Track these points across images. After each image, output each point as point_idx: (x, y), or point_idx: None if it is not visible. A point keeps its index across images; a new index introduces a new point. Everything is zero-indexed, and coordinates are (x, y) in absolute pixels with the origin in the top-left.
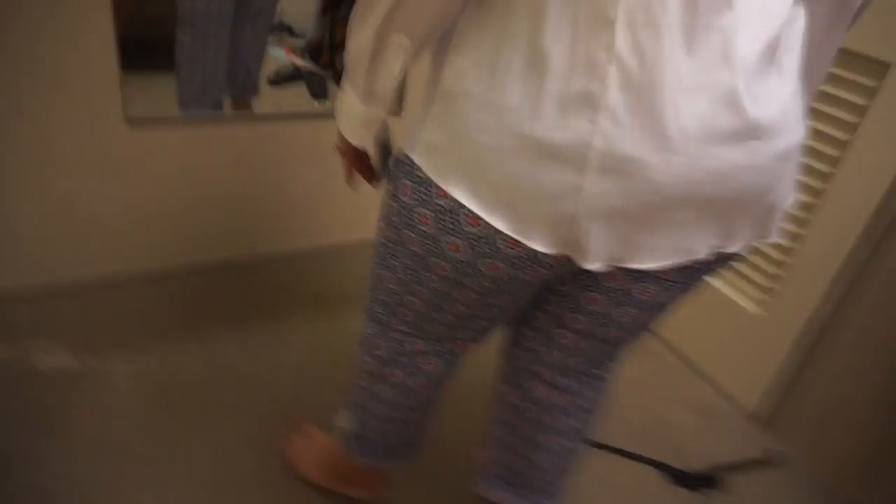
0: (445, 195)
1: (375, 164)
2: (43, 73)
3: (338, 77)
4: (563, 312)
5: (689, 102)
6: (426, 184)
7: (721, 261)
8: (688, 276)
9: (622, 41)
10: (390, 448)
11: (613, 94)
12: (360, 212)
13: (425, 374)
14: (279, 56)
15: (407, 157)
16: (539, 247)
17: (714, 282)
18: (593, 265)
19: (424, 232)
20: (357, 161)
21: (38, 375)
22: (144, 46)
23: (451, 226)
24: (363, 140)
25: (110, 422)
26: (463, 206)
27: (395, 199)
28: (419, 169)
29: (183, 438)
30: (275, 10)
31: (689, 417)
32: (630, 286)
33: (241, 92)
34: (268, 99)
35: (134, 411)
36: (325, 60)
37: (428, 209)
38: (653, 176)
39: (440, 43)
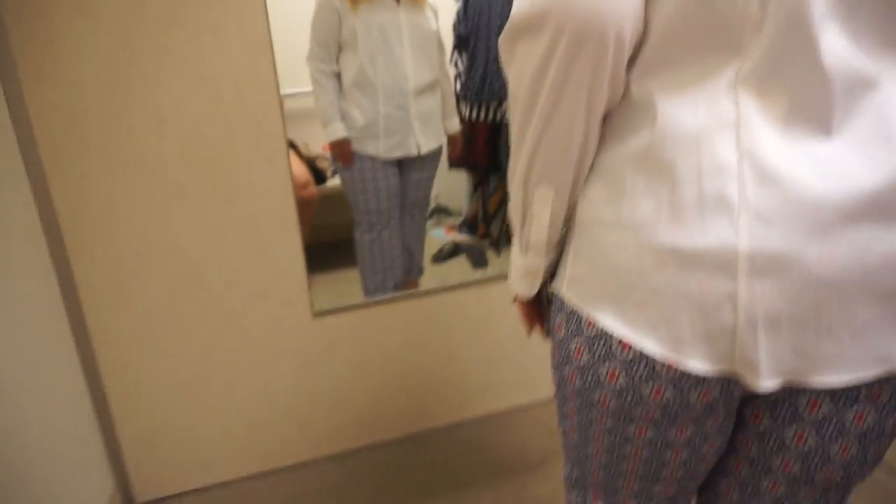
0: (594, 324)
1: (546, 313)
2: (245, 284)
3: (495, 245)
4: (767, 456)
5: (847, 180)
6: (575, 315)
7: None
8: None
9: (748, 140)
10: None
11: (752, 191)
12: (530, 373)
13: None
14: (440, 236)
15: (557, 293)
16: (699, 365)
17: None
18: (767, 383)
19: (581, 365)
20: (529, 311)
21: None
22: (326, 249)
23: (604, 353)
24: (529, 290)
25: None
26: (612, 334)
27: (553, 337)
28: (567, 302)
29: None
30: (429, 199)
31: None
32: (841, 414)
33: (408, 274)
34: (433, 276)
35: None
36: (482, 232)
37: (581, 340)
38: (813, 270)
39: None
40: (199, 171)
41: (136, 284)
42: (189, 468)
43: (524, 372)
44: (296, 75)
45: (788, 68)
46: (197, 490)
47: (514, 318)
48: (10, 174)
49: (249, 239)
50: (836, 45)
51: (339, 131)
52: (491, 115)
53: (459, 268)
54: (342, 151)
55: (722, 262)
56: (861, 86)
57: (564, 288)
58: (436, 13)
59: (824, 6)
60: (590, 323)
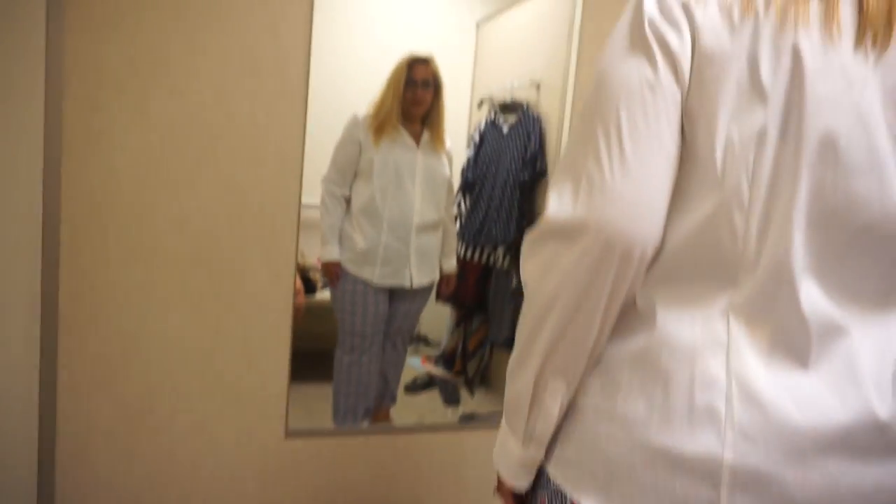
0: None
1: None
2: (225, 390)
3: (469, 384)
4: None
5: (821, 412)
6: (560, 494)
7: None
8: None
9: (736, 361)
10: None
11: (738, 410)
12: None
13: None
14: (415, 365)
15: (542, 469)
16: None
17: None
18: None
19: None
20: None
21: None
22: (302, 357)
23: None
24: (525, 482)
25: None
26: None
27: None
28: (553, 481)
29: None
30: (413, 330)
31: None
32: None
33: (381, 401)
34: (405, 405)
35: None
36: (458, 368)
37: None
38: (790, 492)
39: None
40: (206, 273)
41: (119, 375)
42: None
43: None
44: (306, 189)
45: (774, 306)
46: None
47: (485, 468)
48: (28, 241)
49: (239, 347)
50: (813, 295)
51: (333, 254)
52: (485, 258)
53: (431, 401)
54: (331, 272)
55: (706, 471)
56: (833, 331)
57: (551, 466)
58: (451, 159)
59: (804, 262)
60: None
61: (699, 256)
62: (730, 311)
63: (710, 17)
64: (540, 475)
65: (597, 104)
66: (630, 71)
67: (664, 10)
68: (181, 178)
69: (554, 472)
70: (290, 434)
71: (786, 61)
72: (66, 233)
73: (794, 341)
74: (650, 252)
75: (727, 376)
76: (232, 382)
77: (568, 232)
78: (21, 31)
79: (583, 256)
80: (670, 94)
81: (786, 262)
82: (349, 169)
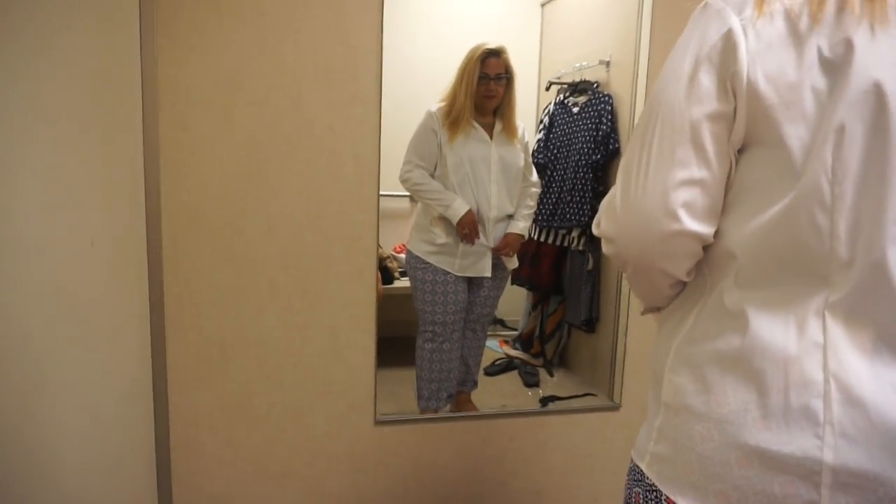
0: (674, 503)
1: None
2: (316, 384)
3: (548, 365)
4: None
5: None
6: (655, 492)
7: None
8: None
9: (834, 361)
10: None
11: (838, 411)
12: None
13: None
14: (493, 347)
15: (636, 465)
16: None
17: None
18: None
19: None
20: None
21: None
22: (381, 345)
23: None
24: None
25: None
26: None
27: None
28: (648, 477)
29: None
30: (493, 315)
31: None
32: None
33: (463, 385)
34: (485, 388)
35: None
36: (536, 350)
37: None
38: None
39: (656, 359)
40: (293, 275)
41: (219, 371)
42: None
43: None
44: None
45: (874, 304)
46: None
47: (569, 451)
48: (134, 251)
49: (328, 342)
50: None
51: (463, 206)
52: (559, 241)
53: (511, 384)
54: (469, 221)
55: (805, 471)
56: None
57: (646, 464)
58: (525, 146)
59: None
60: (669, 501)
61: (783, 256)
62: (826, 312)
63: (775, 30)
64: (633, 471)
65: (644, 119)
66: (678, 92)
67: (724, 32)
68: (266, 186)
69: (649, 470)
70: (378, 422)
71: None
72: (167, 243)
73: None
74: (677, 272)
75: (825, 377)
76: (322, 375)
77: (605, 240)
78: (117, 60)
79: (617, 259)
80: (720, 117)
81: (882, 260)
82: (431, 159)
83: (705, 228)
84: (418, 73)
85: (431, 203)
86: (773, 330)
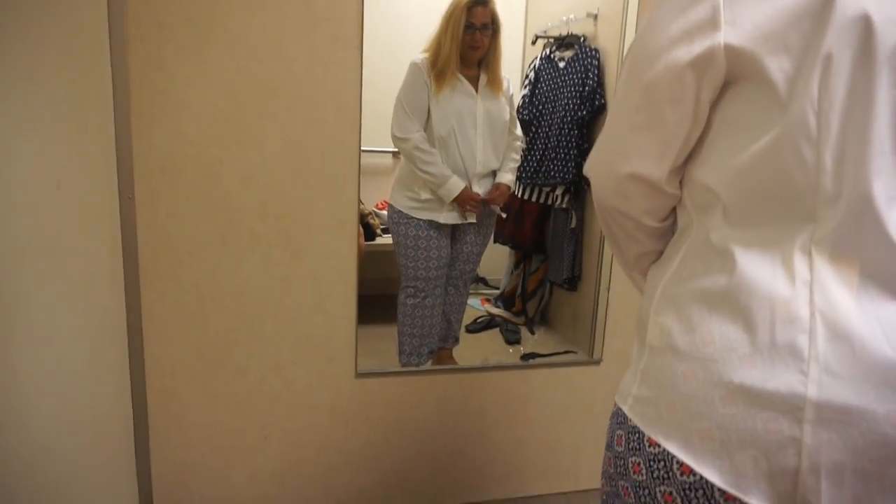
0: (656, 444)
1: None
2: (296, 337)
3: (529, 323)
4: None
5: None
6: (637, 433)
7: None
8: None
9: (821, 297)
10: None
11: (823, 346)
12: (561, 463)
13: None
14: (475, 306)
15: (619, 408)
16: (758, 502)
17: None
18: None
19: (638, 481)
20: None
21: None
22: (363, 301)
23: (663, 475)
24: None
25: None
26: (674, 456)
27: (610, 448)
28: (630, 420)
29: None
30: (475, 272)
31: None
32: None
33: (444, 342)
34: (466, 345)
35: None
36: (518, 308)
37: (640, 458)
38: (882, 427)
39: (642, 303)
40: (273, 226)
41: (196, 323)
42: None
43: (554, 460)
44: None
45: (860, 238)
46: None
47: (549, 404)
48: (106, 200)
49: (308, 294)
50: None
51: (457, 185)
52: (543, 198)
53: (492, 341)
54: (468, 197)
55: (789, 407)
56: None
57: (628, 406)
58: (510, 99)
59: (888, 191)
60: (651, 442)
61: (769, 192)
62: (812, 247)
63: None
64: (616, 415)
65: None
66: (655, 40)
67: None
68: (244, 132)
69: (631, 412)
70: (359, 374)
71: None
72: (140, 191)
73: (884, 273)
74: (647, 220)
75: (811, 312)
76: (303, 327)
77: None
78: None
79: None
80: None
81: (868, 193)
82: (422, 112)
83: (655, 172)
84: (403, 19)
85: (423, 175)
86: (759, 267)
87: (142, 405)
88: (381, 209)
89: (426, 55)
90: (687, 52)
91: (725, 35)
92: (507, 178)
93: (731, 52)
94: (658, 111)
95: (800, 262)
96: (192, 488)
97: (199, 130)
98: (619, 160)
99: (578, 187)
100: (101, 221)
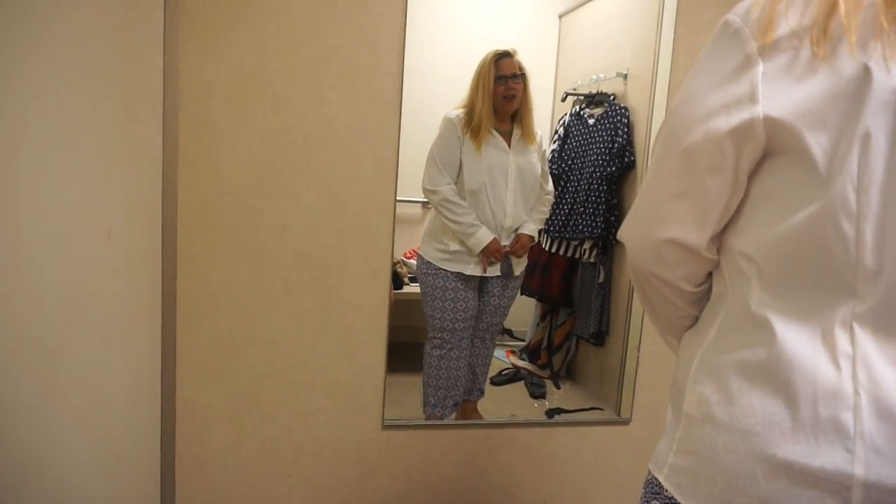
0: None
1: None
2: (326, 385)
3: (555, 378)
4: None
5: None
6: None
7: None
8: None
9: (864, 373)
10: None
11: (868, 423)
12: None
13: None
14: (500, 357)
15: (654, 477)
16: None
17: None
18: None
19: None
20: None
21: None
22: (395, 351)
23: None
24: None
25: None
26: None
27: None
28: (666, 490)
29: None
30: (502, 325)
31: None
32: None
33: (469, 394)
34: (490, 397)
35: None
36: (543, 361)
37: None
38: None
39: (678, 370)
40: (307, 275)
41: (228, 368)
42: None
43: None
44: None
45: None
46: None
47: (576, 464)
48: (149, 245)
49: (339, 343)
50: None
51: (487, 236)
52: (571, 252)
53: (517, 394)
54: (494, 251)
55: (835, 486)
56: None
57: (664, 476)
58: (542, 154)
59: None
60: None
61: (807, 265)
62: (854, 322)
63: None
64: (651, 483)
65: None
66: (692, 109)
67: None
68: (284, 184)
69: (667, 482)
70: (386, 426)
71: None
72: (182, 236)
73: None
74: (684, 285)
75: (854, 389)
76: (332, 375)
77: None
78: (142, 54)
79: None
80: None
81: None
82: (453, 167)
83: (695, 238)
84: (436, 79)
85: (452, 226)
86: (800, 340)
87: (170, 449)
88: (409, 258)
89: (461, 111)
90: (726, 122)
91: (764, 107)
92: (530, 228)
93: (771, 124)
94: (697, 179)
95: (841, 337)
96: None
97: (240, 181)
98: (656, 226)
99: (606, 242)
100: (144, 267)
